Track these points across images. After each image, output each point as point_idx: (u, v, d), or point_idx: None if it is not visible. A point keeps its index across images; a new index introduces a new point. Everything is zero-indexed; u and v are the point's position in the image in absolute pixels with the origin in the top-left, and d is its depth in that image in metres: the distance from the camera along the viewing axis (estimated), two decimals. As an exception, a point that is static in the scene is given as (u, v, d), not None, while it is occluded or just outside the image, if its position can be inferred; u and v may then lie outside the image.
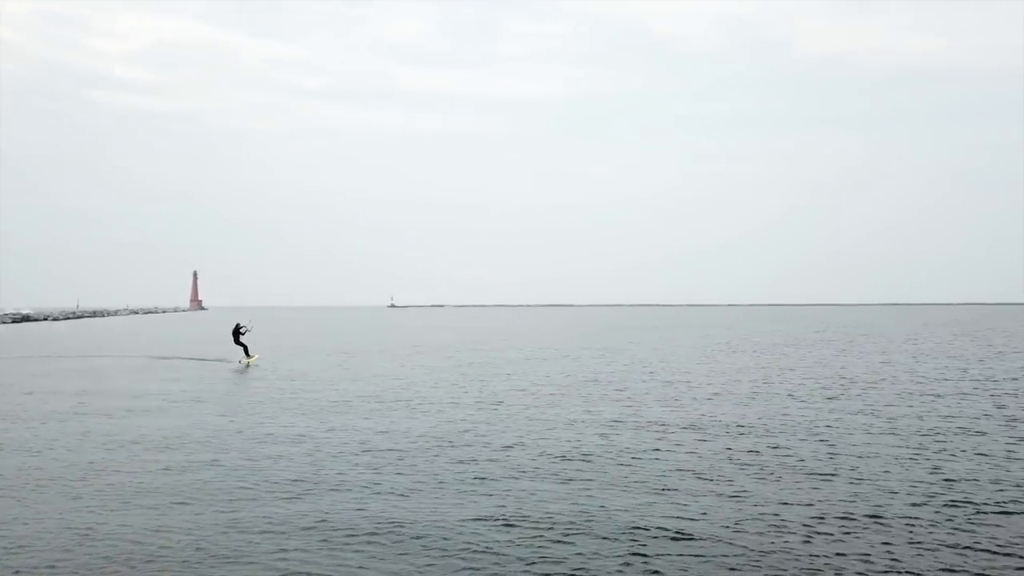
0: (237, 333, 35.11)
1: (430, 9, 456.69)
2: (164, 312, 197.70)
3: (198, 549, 8.68)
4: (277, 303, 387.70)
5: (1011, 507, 10.19)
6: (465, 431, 16.09)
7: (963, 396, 21.40)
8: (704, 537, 9.03)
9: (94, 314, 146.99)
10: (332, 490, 11.20)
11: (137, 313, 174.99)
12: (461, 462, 13.09)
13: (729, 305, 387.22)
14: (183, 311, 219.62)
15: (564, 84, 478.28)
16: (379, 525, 9.51)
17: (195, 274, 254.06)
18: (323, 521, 9.68)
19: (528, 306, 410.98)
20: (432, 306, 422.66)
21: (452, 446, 14.47)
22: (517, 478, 11.91)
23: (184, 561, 8.32)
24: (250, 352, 35.05)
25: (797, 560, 8.27)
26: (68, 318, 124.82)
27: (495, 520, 9.71)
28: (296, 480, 11.84)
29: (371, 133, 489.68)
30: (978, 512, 9.98)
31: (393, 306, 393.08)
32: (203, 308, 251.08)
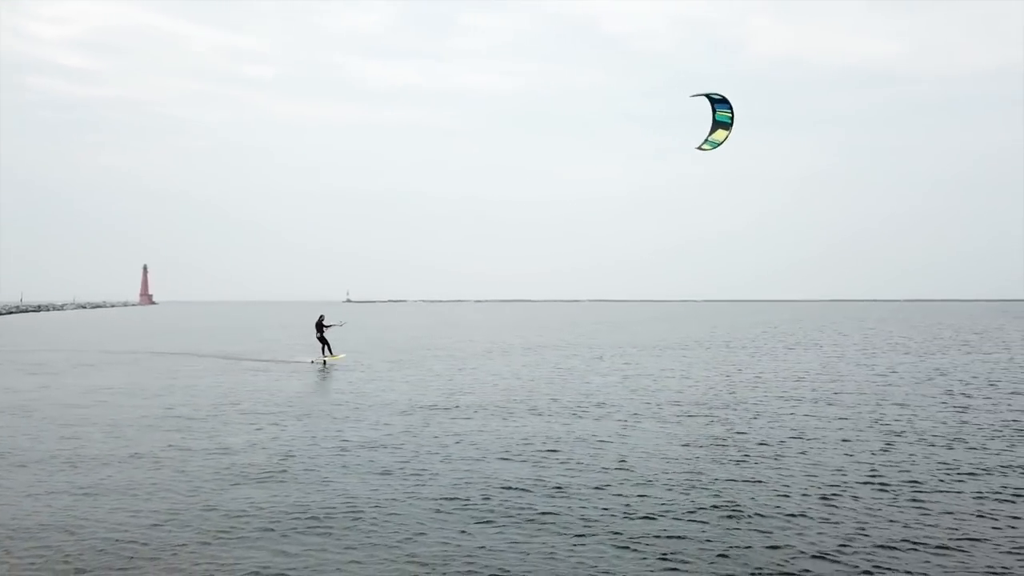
0: (321, 327, 31.37)
1: (384, 2, 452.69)
2: (113, 306, 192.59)
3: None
4: (231, 297, 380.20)
5: (956, 486, 10.84)
6: (431, 423, 16.31)
7: (917, 384, 22.36)
8: (672, 519, 9.43)
9: (39, 308, 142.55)
10: (321, 484, 11.32)
11: (85, 307, 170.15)
12: (429, 451, 13.34)
13: (686, 301, 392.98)
14: (132, 305, 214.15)
15: (519, 79, 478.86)
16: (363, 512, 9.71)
17: (145, 268, 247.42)
18: (305, 512, 9.83)
19: (491, 301, 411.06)
20: (391, 301, 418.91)
21: (417, 438, 14.70)
22: (482, 460, 12.18)
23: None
24: (333, 350, 31.66)
25: (760, 539, 8.72)
26: (11, 312, 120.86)
27: (462, 505, 9.99)
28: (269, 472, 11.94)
29: (325, 126, 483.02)
30: (923, 490, 10.59)
31: (349, 300, 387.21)
32: (153, 303, 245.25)
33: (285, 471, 11.68)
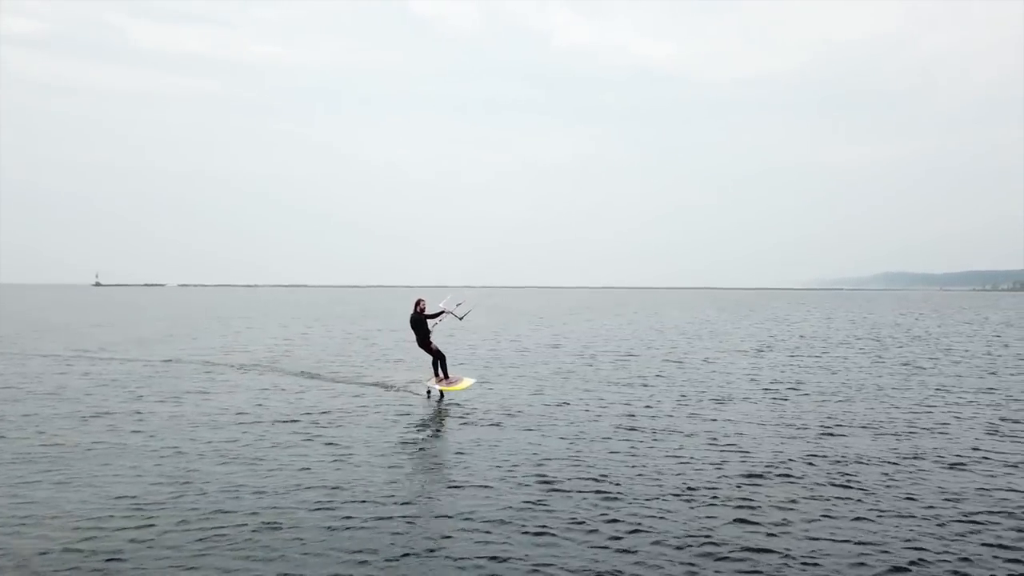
0: (425, 324, 18.23)
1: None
2: None
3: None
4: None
5: None
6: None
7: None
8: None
9: None
10: None
11: None
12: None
13: (471, 286, 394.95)
14: None
15: (319, 54, 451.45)
16: None
17: None
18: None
19: (259, 286, 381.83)
20: (148, 285, 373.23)
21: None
22: None
23: None
24: (447, 370, 18.70)
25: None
26: None
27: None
28: None
29: (95, 91, 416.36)
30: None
31: (99, 284, 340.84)
32: None
33: None
